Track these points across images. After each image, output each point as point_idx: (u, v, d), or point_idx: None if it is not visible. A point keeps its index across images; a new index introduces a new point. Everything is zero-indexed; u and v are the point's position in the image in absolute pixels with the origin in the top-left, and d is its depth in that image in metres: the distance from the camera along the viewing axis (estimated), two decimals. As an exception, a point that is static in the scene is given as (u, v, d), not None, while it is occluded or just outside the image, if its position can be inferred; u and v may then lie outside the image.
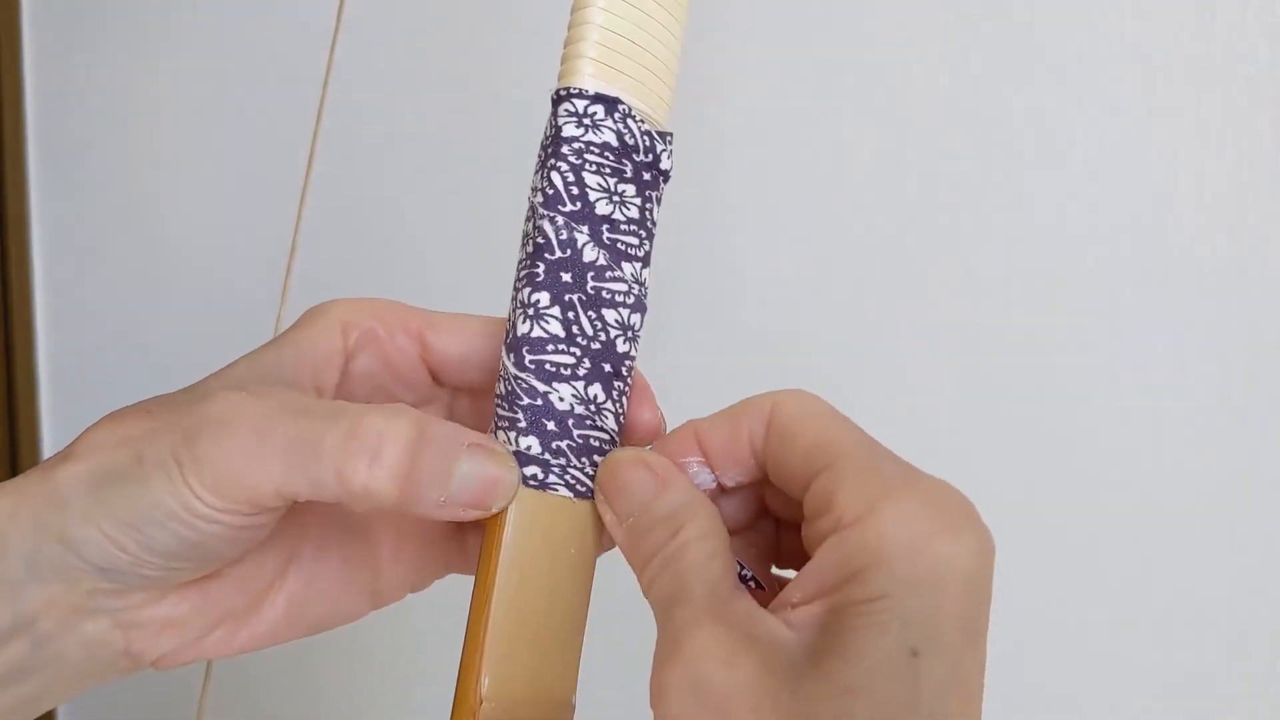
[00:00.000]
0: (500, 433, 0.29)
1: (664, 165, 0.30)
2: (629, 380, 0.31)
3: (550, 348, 0.29)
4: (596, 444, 0.30)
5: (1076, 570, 0.62)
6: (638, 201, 0.30)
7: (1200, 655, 0.60)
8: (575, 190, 0.29)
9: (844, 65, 0.66)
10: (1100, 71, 0.60)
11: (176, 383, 1.14)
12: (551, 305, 0.29)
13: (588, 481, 0.29)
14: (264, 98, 0.92)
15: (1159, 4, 0.58)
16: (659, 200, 0.31)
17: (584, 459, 0.29)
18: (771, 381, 0.70)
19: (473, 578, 0.30)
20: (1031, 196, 0.62)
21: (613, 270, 0.29)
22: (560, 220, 0.29)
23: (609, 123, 0.29)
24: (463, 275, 0.83)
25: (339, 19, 0.44)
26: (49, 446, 1.11)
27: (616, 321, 0.30)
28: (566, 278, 0.29)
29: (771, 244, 0.69)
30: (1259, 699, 0.58)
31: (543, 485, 0.29)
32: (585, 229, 0.29)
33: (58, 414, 1.10)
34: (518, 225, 0.79)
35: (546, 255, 0.29)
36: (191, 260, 0.99)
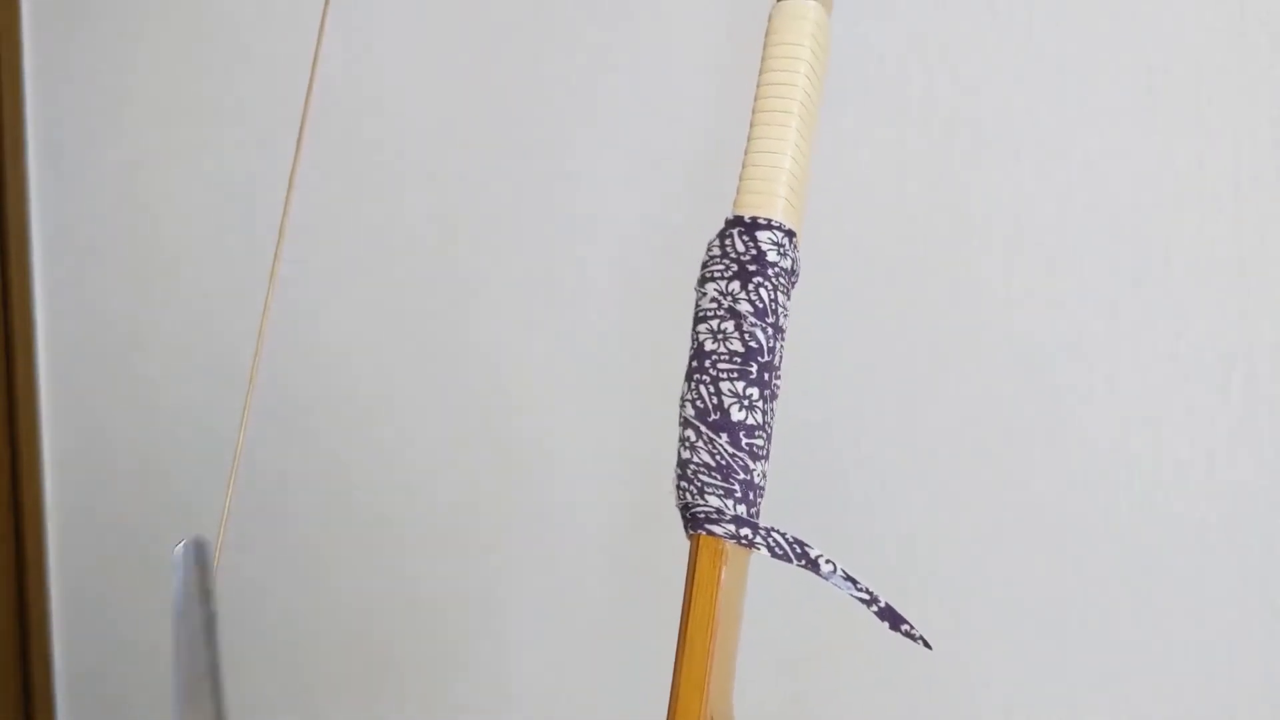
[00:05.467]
0: (713, 498, 0.35)
1: (797, 282, 0.38)
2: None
3: (758, 433, 0.35)
4: (760, 511, 0.36)
5: (1076, 570, 0.62)
6: (789, 313, 0.38)
7: (1199, 655, 0.60)
8: (774, 306, 0.36)
9: (843, 65, 0.66)
10: (1100, 71, 0.60)
11: (175, 381, 1.13)
12: (759, 399, 0.35)
13: (783, 543, 0.36)
14: (262, 98, 0.92)
15: (1159, 4, 0.58)
16: None
17: (759, 520, 0.36)
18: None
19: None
20: (1031, 196, 0.62)
21: (778, 370, 0.36)
22: (770, 331, 0.36)
23: (790, 251, 0.36)
24: (455, 268, 0.83)
25: (324, 17, 0.44)
26: (49, 446, 1.11)
27: (775, 410, 0.36)
28: (767, 377, 0.36)
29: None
30: (1260, 700, 0.58)
31: (751, 544, 0.35)
32: (779, 338, 0.36)
33: (58, 414, 1.10)
34: (511, 221, 0.79)
35: (759, 358, 0.35)
36: (189, 259, 0.99)
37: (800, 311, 0.71)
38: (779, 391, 0.36)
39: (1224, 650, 0.59)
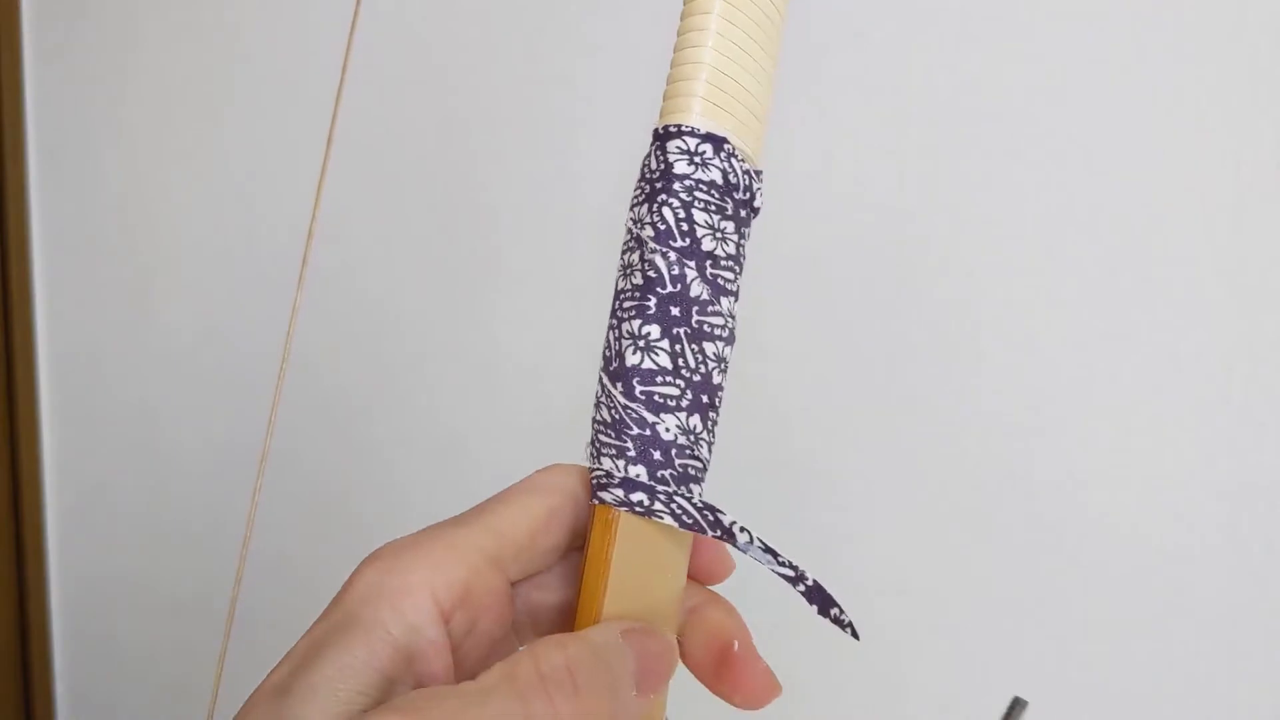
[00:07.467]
0: (606, 459, 0.30)
1: (757, 203, 0.32)
2: (719, 410, 0.32)
3: (659, 379, 0.30)
4: (694, 473, 0.31)
5: (1075, 570, 0.62)
6: (735, 238, 0.31)
7: (1199, 655, 0.59)
8: (685, 226, 0.30)
9: (841, 63, 0.66)
10: (1100, 70, 0.60)
11: (176, 383, 1.13)
12: (661, 338, 0.30)
13: (691, 510, 0.30)
14: (264, 97, 0.92)
15: (1160, 4, 0.58)
16: (748, 236, 0.32)
17: (684, 487, 0.30)
18: (744, 375, 0.70)
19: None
20: (1030, 196, 0.62)
21: (713, 305, 0.30)
22: (672, 256, 0.30)
23: (716, 161, 0.30)
24: (480, 269, 0.83)
25: (355, 18, 0.44)
26: (49, 446, 1.11)
27: (714, 354, 0.31)
28: (675, 312, 0.30)
29: (769, 245, 0.69)
30: (1260, 700, 0.58)
31: (649, 512, 0.30)
32: (693, 264, 0.30)
33: (58, 414, 1.10)
34: (536, 218, 0.79)
35: (658, 289, 0.30)
36: (190, 259, 0.99)
37: (799, 310, 0.71)
38: (717, 331, 0.30)
39: (1224, 650, 0.59)
